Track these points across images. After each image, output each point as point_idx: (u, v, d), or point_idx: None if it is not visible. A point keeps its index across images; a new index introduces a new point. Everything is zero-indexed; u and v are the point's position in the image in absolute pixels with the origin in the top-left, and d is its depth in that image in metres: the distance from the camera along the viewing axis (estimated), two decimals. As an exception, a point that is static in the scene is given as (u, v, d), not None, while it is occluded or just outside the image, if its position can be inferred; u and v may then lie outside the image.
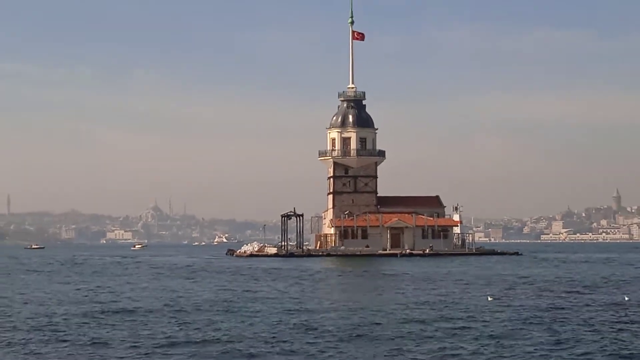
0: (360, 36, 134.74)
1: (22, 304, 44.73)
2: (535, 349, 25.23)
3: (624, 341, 27.51)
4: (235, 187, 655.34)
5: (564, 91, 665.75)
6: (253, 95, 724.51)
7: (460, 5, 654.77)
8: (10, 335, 29.93)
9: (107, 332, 30.34)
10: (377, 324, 33.19)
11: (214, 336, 28.72)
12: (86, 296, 50.99)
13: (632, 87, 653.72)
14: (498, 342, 27.13)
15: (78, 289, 58.02)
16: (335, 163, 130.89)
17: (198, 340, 27.55)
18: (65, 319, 35.63)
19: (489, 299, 43.12)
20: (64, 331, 30.75)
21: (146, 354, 24.30)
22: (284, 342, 27.35)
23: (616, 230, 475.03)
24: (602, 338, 28.27)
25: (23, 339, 28.85)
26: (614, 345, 26.40)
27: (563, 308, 39.94)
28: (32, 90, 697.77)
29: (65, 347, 26.52)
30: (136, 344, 26.35)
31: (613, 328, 31.24)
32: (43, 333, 30.32)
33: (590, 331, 30.17)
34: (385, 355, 24.74)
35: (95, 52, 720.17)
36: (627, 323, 33.18)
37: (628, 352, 25.23)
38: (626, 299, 42.36)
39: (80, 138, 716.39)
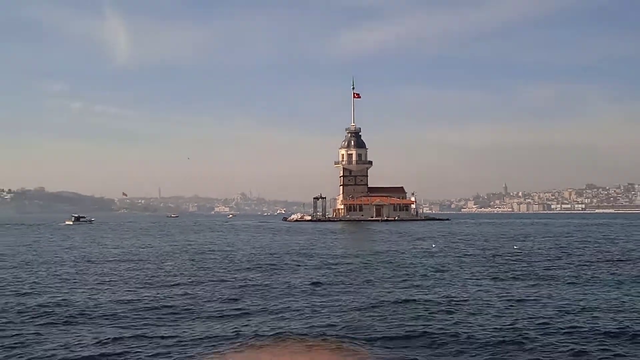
0: (357, 95, 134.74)
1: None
2: (455, 272, 25.91)
3: (514, 269, 27.93)
4: (288, 181, 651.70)
5: (473, 126, 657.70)
6: (297, 130, 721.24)
7: (410, 76, 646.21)
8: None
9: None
10: (365, 253, 33.91)
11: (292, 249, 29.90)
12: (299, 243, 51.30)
13: (508, 125, 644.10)
14: (437, 270, 27.66)
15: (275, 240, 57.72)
16: (344, 168, 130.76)
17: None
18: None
19: (433, 245, 42.71)
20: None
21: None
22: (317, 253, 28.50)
23: (504, 206, 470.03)
24: (493, 263, 28.98)
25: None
26: (503, 268, 27.05)
27: (471, 246, 40.74)
28: (179, 126, 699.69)
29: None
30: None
31: (507, 261, 31.78)
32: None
33: (490, 260, 30.78)
34: (365, 267, 25.60)
35: (210, 107, 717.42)
36: (516, 262, 33.45)
37: (512, 275, 25.56)
38: (515, 247, 41.40)
39: (199, 154, 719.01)
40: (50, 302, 16.98)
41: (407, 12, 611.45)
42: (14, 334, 12.88)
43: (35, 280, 22.59)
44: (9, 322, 14.15)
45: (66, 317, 14.78)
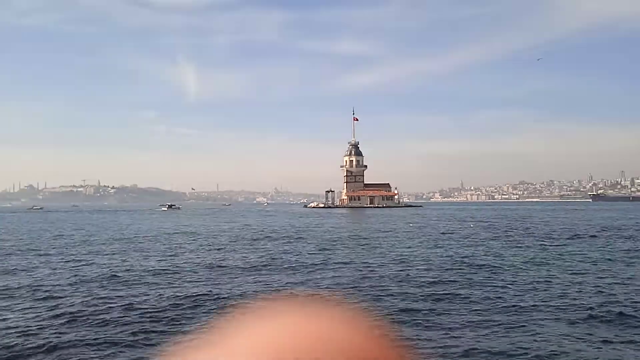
0: (356, 119, 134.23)
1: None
2: (427, 241, 26.63)
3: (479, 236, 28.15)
4: (307, 181, 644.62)
5: (439, 140, 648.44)
6: (314, 143, 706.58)
7: (394, 104, 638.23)
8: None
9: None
10: (361, 231, 34.45)
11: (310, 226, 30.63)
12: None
13: (465, 139, 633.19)
14: (410, 239, 28.28)
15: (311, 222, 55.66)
16: (347, 170, 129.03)
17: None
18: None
19: (410, 224, 41.99)
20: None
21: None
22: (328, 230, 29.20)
23: (461, 197, 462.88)
24: (442, 233, 29.54)
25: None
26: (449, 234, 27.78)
27: (431, 223, 40.97)
28: (231, 141, 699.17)
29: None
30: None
31: (466, 231, 32.13)
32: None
33: (447, 232, 31.42)
34: (364, 238, 26.03)
35: (254, 128, 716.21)
36: (472, 234, 33.37)
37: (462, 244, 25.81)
38: (471, 225, 40.06)
39: (246, 160, 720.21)
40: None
41: (392, 59, 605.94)
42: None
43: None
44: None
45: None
